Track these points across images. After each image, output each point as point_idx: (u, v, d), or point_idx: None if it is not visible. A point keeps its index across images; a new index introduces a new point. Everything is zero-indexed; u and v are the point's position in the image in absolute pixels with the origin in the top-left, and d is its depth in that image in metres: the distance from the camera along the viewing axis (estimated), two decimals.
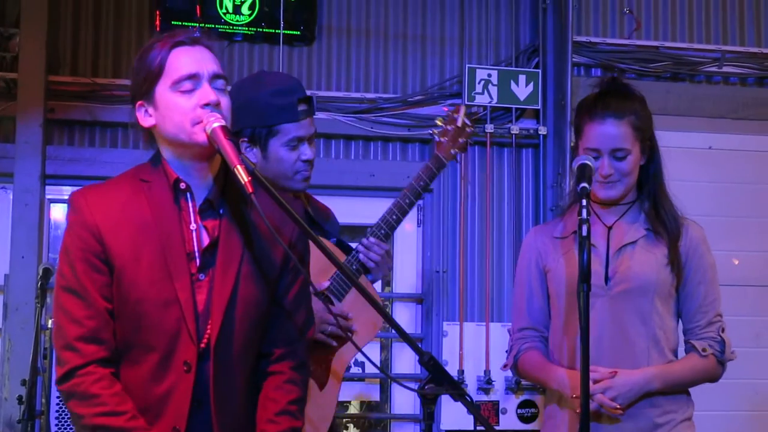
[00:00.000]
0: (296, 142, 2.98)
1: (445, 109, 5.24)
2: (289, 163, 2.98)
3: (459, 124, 3.36)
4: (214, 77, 2.35)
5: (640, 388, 2.86)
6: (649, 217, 2.98)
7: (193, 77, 2.33)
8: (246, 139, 2.98)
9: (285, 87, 2.99)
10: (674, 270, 2.94)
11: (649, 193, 3.00)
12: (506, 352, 3.13)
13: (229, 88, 2.44)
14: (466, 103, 5.44)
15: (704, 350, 2.95)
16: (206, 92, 2.32)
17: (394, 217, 3.16)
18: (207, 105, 2.31)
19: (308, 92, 5.29)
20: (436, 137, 3.35)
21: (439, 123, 3.40)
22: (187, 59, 2.34)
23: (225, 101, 2.37)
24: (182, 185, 2.38)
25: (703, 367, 2.96)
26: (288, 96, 2.97)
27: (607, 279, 2.92)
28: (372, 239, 3.14)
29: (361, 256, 3.13)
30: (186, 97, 2.32)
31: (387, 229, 3.15)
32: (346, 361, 3.14)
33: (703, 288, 2.98)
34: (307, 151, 3.00)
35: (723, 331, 2.98)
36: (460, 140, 3.35)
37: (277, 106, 2.96)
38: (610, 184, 2.93)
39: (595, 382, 2.81)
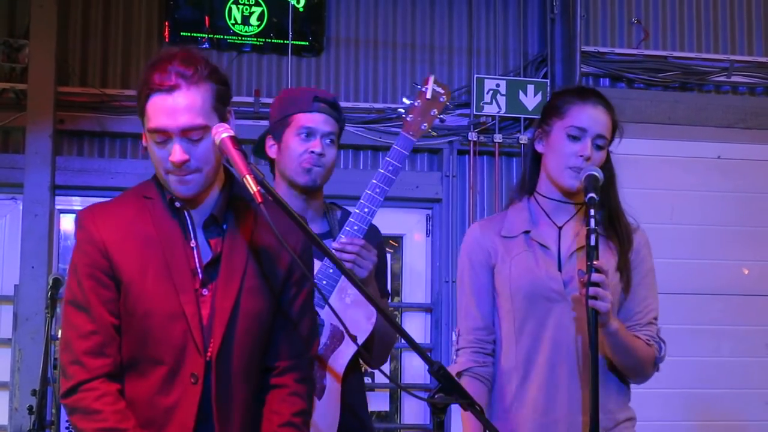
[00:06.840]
0: (305, 132, 3.06)
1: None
2: (296, 153, 3.06)
3: (429, 96, 3.15)
4: (186, 131, 2.31)
5: (610, 312, 2.73)
6: (602, 224, 2.89)
7: (163, 133, 2.32)
8: (271, 135, 3.14)
9: (308, 89, 3.14)
10: (623, 278, 2.88)
11: (604, 200, 2.88)
12: (455, 351, 3.00)
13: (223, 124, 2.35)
14: (475, 113, 5.46)
15: (648, 341, 2.87)
16: (174, 152, 2.31)
17: (366, 210, 3.04)
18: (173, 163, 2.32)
19: None
20: (403, 115, 3.15)
21: (405, 101, 3.18)
22: (159, 112, 2.32)
23: (200, 147, 2.33)
24: (177, 204, 2.41)
25: (645, 351, 2.86)
26: (307, 93, 3.12)
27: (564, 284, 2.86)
28: (344, 238, 3.02)
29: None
30: (158, 148, 2.35)
31: (360, 224, 3.03)
32: (345, 359, 3.03)
33: (643, 290, 2.92)
34: (316, 145, 3.05)
35: (658, 334, 2.92)
36: (432, 112, 3.15)
37: (293, 99, 3.13)
38: (581, 171, 2.85)
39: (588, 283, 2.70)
